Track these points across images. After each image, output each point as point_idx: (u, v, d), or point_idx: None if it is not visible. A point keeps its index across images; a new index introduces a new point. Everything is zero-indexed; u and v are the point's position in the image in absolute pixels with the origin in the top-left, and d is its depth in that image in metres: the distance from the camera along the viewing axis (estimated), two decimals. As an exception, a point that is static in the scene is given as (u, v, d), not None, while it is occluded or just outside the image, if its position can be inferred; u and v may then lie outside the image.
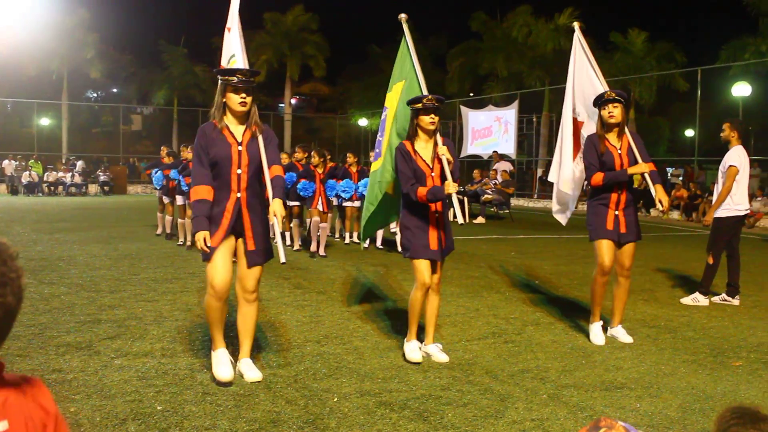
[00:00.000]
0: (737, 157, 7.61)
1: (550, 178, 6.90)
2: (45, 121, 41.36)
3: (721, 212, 7.69)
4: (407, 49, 5.88)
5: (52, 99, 39.10)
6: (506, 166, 22.56)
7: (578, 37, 6.69)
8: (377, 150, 5.93)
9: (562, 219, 6.85)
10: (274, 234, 4.82)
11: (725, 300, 7.83)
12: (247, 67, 5.26)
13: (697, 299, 7.75)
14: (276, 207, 4.56)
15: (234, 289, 4.69)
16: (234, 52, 5.41)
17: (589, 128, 6.44)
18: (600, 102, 5.81)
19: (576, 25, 6.81)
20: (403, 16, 6.03)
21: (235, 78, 4.50)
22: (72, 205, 23.00)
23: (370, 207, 5.94)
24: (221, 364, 4.57)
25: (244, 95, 4.53)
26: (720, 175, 7.80)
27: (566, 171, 6.57)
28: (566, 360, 5.34)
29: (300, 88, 59.13)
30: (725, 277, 7.90)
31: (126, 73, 43.78)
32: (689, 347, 5.81)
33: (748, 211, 8.06)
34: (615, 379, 4.88)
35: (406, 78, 5.82)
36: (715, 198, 7.84)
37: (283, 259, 4.67)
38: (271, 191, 4.61)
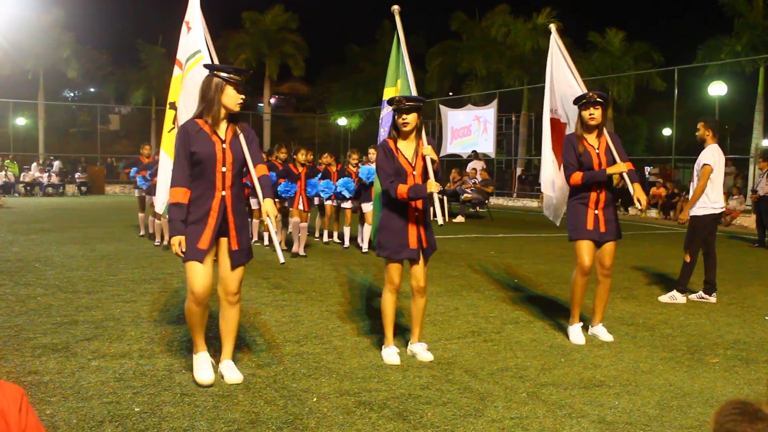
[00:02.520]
0: (711, 156, 7.68)
1: (541, 184, 6.93)
2: (21, 121, 40.91)
3: (698, 210, 7.76)
4: (398, 43, 5.81)
5: (28, 99, 38.66)
6: (478, 164, 22.59)
7: (555, 39, 6.73)
8: None
9: (555, 220, 6.88)
10: (259, 236, 4.79)
11: (702, 297, 7.90)
12: (215, 60, 5.26)
13: (675, 297, 7.81)
14: (268, 207, 4.53)
15: (215, 291, 4.64)
16: (199, 47, 5.37)
17: (571, 131, 6.50)
18: (582, 103, 5.82)
19: (552, 26, 6.85)
20: (395, 7, 5.94)
21: (239, 77, 4.50)
22: (49, 205, 22.79)
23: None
24: (202, 369, 4.53)
25: (243, 96, 4.54)
26: (696, 173, 7.86)
27: (547, 174, 6.63)
28: (545, 358, 5.36)
29: (279, 88, 58.96)
30: (702, 274, 7.97)
31: (103, 72, 43.45)
32: (667, 344, 5.86)
33: (724, 209, 8.13)
34: (594, 377, 4.90)
35: (402, 75, 5.79)
36: (690, 197, 7.91)
37: (282, 260, 4.64)
38: (261, 191, 4.57)
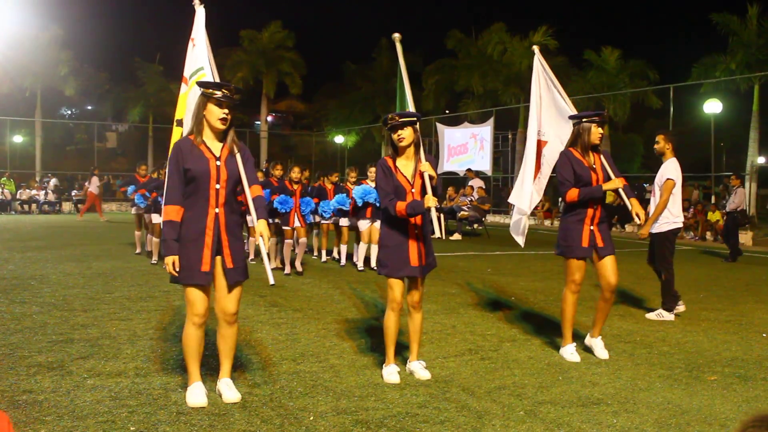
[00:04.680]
0: (674, 170, 7.78)
1: (512, 199, 6.94)
2: (18, 139, 40.94)
3: (662, 227, 7.81)
4: (401, 71, 5.85)
5: (25, 116, 38.68)
6: (479, 182, 22.61)
7: (539, 60, 6.83)
8: None
9: (520, 240, 6.91)
10: (253, 254, 4.77)
11: (660, 315, 8.01)
12: (216, 78, 5.23)
13: (662, 315, 7.81)
14: (261, 228, 4.50)
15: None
16: (202, 65, 5.36)
17: (551, 148, 6.58)
18: (592, 120, 5.84)
19: (536, 48, 6.97)
20: (396, 35, 5.98)
21: (219, 93, 4.44)
22: (45, 223, 22.76)
23: None
24: (197, 396, 4.46)
25: (226, 111, 4.47)
26: (657, 188, 7.92)
27: (526, 192, 6.68)
28: (543, 376, 5.34)
29: (276, 106, 59.15)
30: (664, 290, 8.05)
31: (101, 90, 43.45)
32: (665, 362, 5.84)
33: (683, 223, 8.22)
34: (591, 395, 4.88)
35: (408, 104, 5.83)
36: (651, 211, 7.93)
37: (272, 281, 4.57)
38: (254, 212, 4.55)
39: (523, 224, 6.85)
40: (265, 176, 12.21)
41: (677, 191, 7.82)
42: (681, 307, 7.95)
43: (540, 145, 6.72)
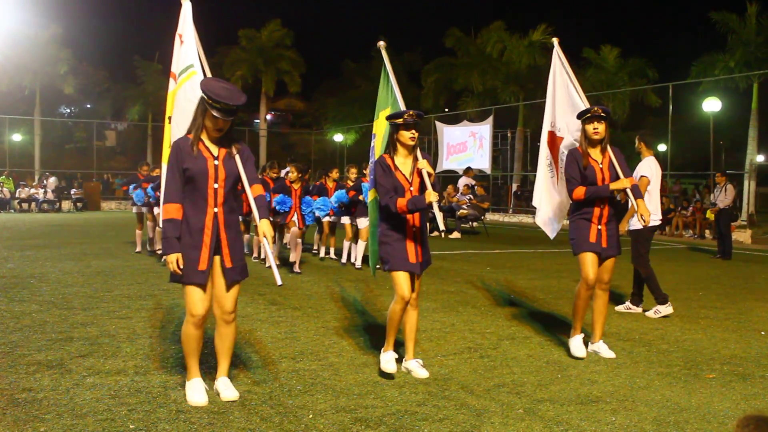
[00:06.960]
0: (648, 168, 7.90)
1: (534, 201, 6.96)
2: (17, 137, 40.87)
3: (637, 224, 7.83)
4: (387, 76, 5.84)
5: (24, 114, 38.66)
6: (465, 180, 22.33)
7: (557, 53, 6.76)
8: (372, 176, 5.87)
9: (550, 232, 6.86)
10: (253, 253, 4.74)
11: (629, 308, 8.07)
12: (209, 75, 5.20)
13: (659, 311, 7.84)
14: (264, 228, 4.49)
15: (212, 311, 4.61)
16: (191, 62, 5.34)
17: (567, 144, 6.52)
18: (586, 117, 5.83)
19: (555, 41, 6.88)
20: (381, 43, 5.99)
21: (219, 105, 4.34)
22: (44, 221, 22.75)
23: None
24: (196, 392, 4.48)
25: (221, 124, 4.43)
26: None
27: (540, 187, 6.68)
28: (542, 374, 5.35)
29: (275, 104, 59.12)
30: (636, 287, 8.30)
31: (100, 88, 43.50)
32: (663, 360, 5.85)
33: (661, 221, 8.30)
34: (590, 393, 4.89)
35: (391, 105, 5.81)
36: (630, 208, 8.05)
37: (279, 282, 4.53)
38: (257, 212, 4.54)
39: (551, 218, 6.79)
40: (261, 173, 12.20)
41: (653, 189, 7.93)
42: (639, 309, 8.08)
43: (556, 140, 6.67)
